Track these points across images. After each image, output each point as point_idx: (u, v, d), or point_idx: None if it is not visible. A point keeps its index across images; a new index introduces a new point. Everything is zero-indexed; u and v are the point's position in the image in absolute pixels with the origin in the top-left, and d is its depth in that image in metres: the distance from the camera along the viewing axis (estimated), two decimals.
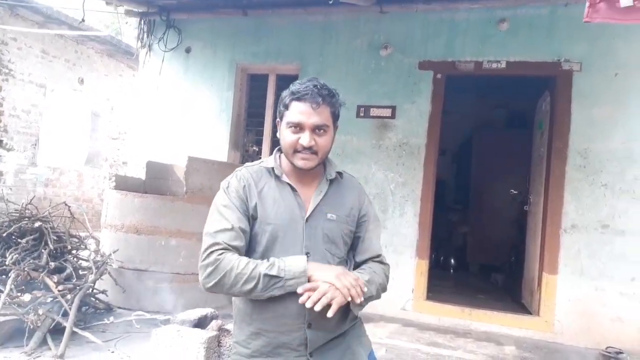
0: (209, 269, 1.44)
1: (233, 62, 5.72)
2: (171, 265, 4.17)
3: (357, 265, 1.66)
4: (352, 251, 1.68)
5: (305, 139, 1.51)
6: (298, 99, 1.52)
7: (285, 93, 1.58)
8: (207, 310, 3.21)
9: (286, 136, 1.55)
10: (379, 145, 5.01)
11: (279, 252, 1.51)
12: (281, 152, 1.64)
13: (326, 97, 1.53)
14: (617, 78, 4.40)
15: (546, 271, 4.47)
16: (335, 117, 1.59)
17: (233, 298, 1.62)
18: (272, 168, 1.61)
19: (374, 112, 4.99)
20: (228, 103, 5.71)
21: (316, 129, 1.52)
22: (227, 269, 1.42)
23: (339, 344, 1.56)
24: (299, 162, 1.54)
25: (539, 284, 4.59)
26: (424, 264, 4.81)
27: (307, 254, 1.51)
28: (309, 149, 1.52)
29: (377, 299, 1.60)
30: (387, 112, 4.94)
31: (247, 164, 1.68)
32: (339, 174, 1.69)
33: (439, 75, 4.89)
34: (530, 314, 4.72)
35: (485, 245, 7.56)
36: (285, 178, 1.60)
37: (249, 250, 1.54)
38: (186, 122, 5.85)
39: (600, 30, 4.44)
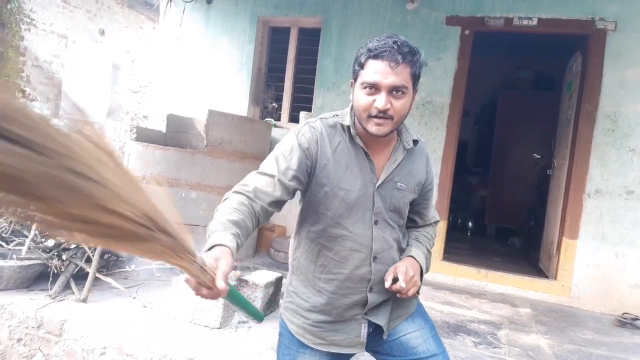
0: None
1: (254, 14, 5.59)
2: (191, 217, 4.21)
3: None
4: (413, 215, 1.69)
5: (380, 101, 1.36)
6: (375, 57, 1.37)
7: (361, 50, 1.42)
8: None
9: (360, 98, 1.40)
10: None
11: (350, 218, 1.47)
12: None
13: (407, 55, 1.37)
14: None
15: (566, 236, 4.43)
16: (415, 78, 1.43)
17: (293, 250, 1.60)
18: (349, 127, 1.49)
19: None
20: (249, 57, 5.63)
21: (393, 91, 1.38)
22: (217, 208, 1.31)
23: (385, 301, 1.57)
24: (372, 128, 1.40)
25: (558, 248, 4.55)
26: (442, 225, 4.79)
27: (375, 222, 1.49)
28: (384, 112, 1.38)
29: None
30: None
31: (323, 114, 1.55)
32: (415, 142, 1.59)
33: (466, 32, 4.73)
34: (547, 277, 4.71)
35: (504, 209, 7.51)
36: (359, 141, 1.48)
37: (319, 213, 1.48)
38: (206, 75, 5.80)
39: None
